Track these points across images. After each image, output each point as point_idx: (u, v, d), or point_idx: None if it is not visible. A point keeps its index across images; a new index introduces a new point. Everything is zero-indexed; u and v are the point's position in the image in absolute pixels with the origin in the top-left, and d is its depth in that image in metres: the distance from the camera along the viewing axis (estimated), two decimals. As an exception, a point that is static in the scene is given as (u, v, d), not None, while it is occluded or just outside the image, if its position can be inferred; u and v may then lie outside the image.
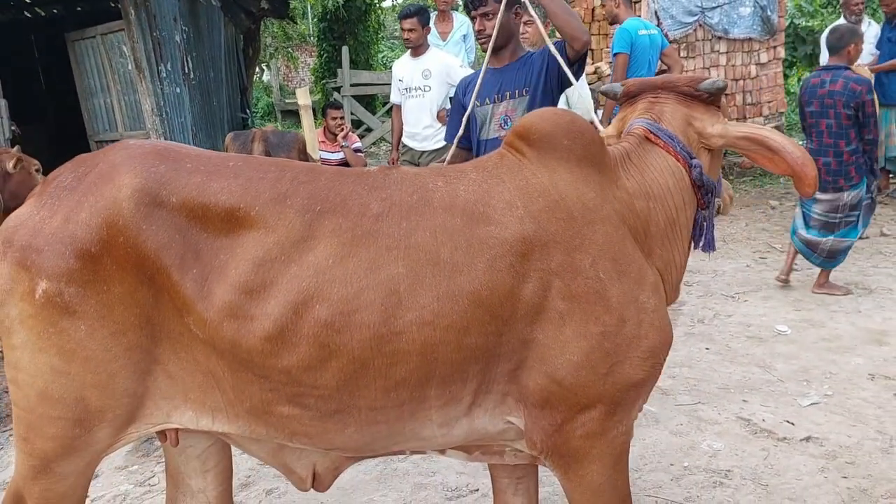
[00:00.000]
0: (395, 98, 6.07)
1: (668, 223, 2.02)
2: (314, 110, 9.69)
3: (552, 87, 3.37)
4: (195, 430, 1.88)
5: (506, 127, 3.38)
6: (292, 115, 16.39)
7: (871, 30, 7.77)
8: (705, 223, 2.12)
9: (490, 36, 3.31)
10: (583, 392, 1.80)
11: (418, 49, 5.72)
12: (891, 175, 8.06)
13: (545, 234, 1.79)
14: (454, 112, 3.66)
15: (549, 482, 3.03)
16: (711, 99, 2.12)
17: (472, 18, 3.45)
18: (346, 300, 1.68)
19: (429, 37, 5.90)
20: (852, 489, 3.02)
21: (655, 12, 8.17)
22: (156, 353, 1.75)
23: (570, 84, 3.19)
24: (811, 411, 3.71)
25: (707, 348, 4.60)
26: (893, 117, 7.50)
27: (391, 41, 21.51)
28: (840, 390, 3.92)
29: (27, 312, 1.71)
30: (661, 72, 6.36)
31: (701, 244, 2.14)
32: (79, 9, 9.89)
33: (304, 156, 6.33)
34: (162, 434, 1.92)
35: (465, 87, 3.60)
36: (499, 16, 3.19)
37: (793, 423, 3.59)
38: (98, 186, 1.72)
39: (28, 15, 10.05)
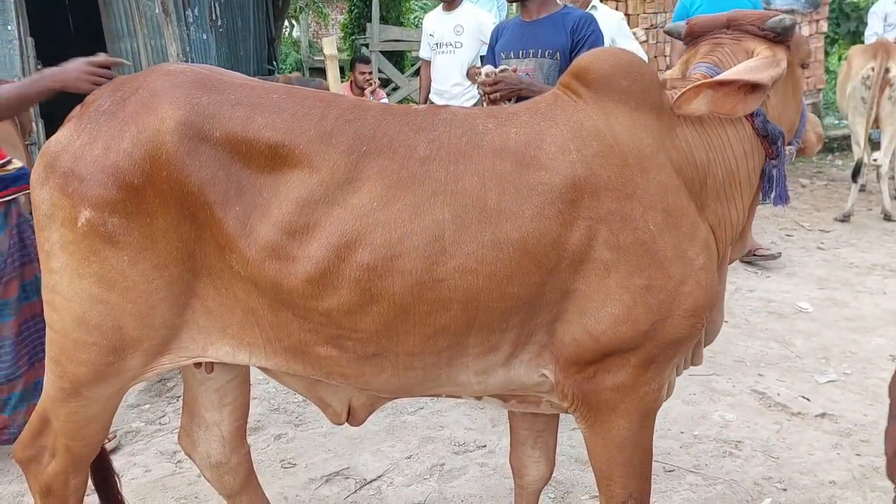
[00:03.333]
0: (424, 53, 5.89)
1: (727, 176, 1.90)
2: (341, 67, 9.56)
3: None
4: (230, 363, 1.87)
5: None
6: (320, 72, 16.24)
7: None
8: (775, 173, 1.97)
9: None
10: (619, 346, 1.75)
11: (452, 3, 5.52)
12: None
13: (596, 180, 1.71)
14: (488, 60, 3.56)
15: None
16: (779, 38, 1.94)
17: None
18: (390, 245, 1.64)
19: None
20: (865, 466, 2.97)
21: (694, -22, 7.94)
22: (196, 287, 1.74)
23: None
24: (828, 388, 3.65)
25: (726, 321, 4.50)
26: None
27: (424, 0, 21.17)
28: (859, 369, 3.85)
29: (68, 238, 1.69)
30: None
31: (772, 196, 2.00)
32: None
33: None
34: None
35: (498, 33, 3.51)
36: None
37: (808, 399, 3.54)
38: (140, 116, 1.68)
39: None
